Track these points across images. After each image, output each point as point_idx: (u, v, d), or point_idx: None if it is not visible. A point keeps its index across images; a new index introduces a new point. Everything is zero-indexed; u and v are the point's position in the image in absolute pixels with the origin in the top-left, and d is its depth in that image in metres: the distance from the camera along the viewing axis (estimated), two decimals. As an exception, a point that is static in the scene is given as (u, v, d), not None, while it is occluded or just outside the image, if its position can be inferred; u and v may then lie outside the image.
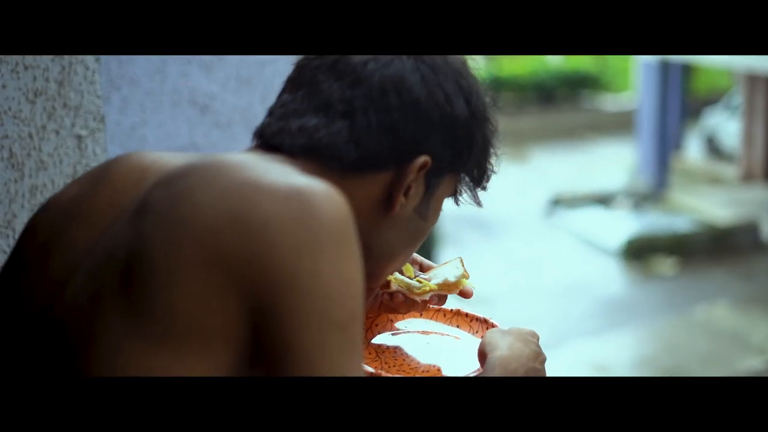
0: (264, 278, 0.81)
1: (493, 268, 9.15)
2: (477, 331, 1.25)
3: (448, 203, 1.12)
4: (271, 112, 1.03)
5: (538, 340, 1.12)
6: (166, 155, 1.01)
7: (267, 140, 1.00)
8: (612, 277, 9.12)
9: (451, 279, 1.20)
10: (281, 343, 0.82)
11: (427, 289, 1.19)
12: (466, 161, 1.06)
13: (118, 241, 0.88)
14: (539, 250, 9.94)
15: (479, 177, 1.09)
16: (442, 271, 1.23)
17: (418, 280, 1.20)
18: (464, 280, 1.21)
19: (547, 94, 17.63)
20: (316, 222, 0.83)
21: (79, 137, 1.48)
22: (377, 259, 1.05)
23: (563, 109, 17.58)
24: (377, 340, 1.25)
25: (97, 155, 1.49)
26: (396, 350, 1.22)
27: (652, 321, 7.76)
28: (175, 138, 1.99)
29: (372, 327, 1.26)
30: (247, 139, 1.06)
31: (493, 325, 1.24)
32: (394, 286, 1.18)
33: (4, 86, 1.39)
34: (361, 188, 1.00)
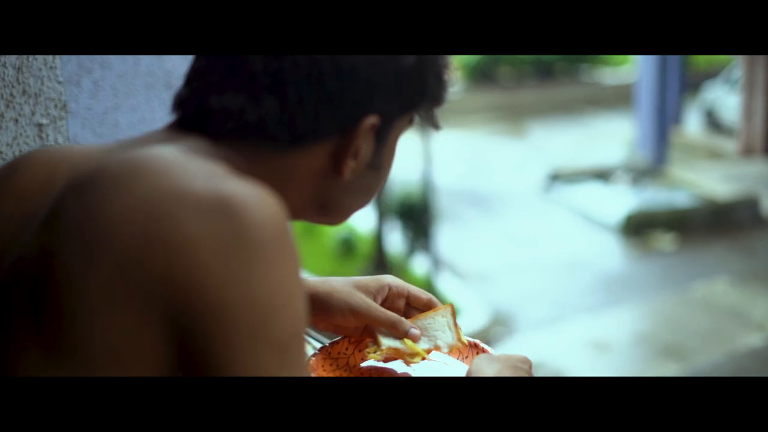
0: (190, 302, 0.72)
1: (491, 244, 9.11)
2: (467, 357, 1.20)
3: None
4: (189, 81, 0.90)
5: (530, 366, 1.04)
6: (77, 149, 0.91)
7: (188, 120, 0.89)
8: (611, 253, 9.06)
9: (444, 349, 1.16)
10: (215, 370, 0.73)
11: (417, 360, 1.14)
12: (418, 103, 0.94)
13: (27, 258, 0.79)
14: (537, 225, 9.89)
15: (435, 103, 0.96)
16: (433, 326, 1.17)
17: (404, 342, 1.14)
18: (455, 347, 1.17)
19: (546, 68, 17.52)
20: (247, 236, 0.74)
21: (40, 126, 1.39)
22: (331, 215, 0.97)
23: (562, 83, 17.48)
24: (362, 366, 1.19)
25: (59, 144, 1.41)
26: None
27: (651, 297, 7.71)
28: (149, 123, 1.91)
29: (355, 353, 1.20)
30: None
31: (483, 350, 1.18)
32: (380, 357, 1.14)
33: (-43, 73, 1.31)
34: (302, 162, 0.89)
